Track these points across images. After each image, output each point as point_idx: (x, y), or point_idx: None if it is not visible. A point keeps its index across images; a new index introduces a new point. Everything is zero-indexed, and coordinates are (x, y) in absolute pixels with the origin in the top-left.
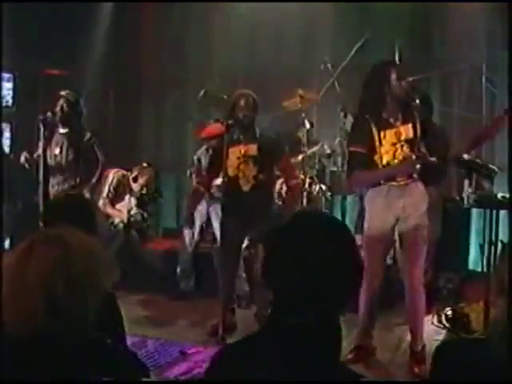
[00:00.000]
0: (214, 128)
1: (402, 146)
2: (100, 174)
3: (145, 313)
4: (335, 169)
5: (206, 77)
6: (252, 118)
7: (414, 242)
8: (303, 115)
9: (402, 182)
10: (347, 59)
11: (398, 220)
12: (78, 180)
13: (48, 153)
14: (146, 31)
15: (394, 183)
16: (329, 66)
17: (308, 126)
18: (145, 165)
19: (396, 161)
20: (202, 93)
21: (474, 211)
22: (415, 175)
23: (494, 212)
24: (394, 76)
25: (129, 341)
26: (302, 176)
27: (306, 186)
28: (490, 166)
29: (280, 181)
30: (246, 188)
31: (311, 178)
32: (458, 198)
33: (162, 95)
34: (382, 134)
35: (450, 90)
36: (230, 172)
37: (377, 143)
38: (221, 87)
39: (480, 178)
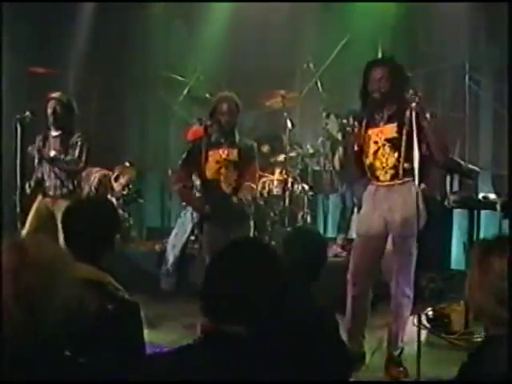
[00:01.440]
0: (199, 130)
1: (383, 146)
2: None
3: None
4: (318, 168)
5: (189, 76)
6: (233, 123)
7: (401, 250)
8: (285, 115)
9: (386, 183)
10: (330, 59)
11: (387, 222)
12: (75, 183)
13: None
14: (131, 31)
15: (379, 183)
16: (311, 65)
17: (290, 125)
18: (127, 164)
19: (378, 161)
20: (185, 92)
21: (457, 210)
22: (403, 176)
23: (477, 211)
24: (375, 75)
25: None
26: (285, 176)
27: (289, 185)
28: (470, 166)
29: (263, 180)
30: (228, 191)
31: (293, 177)
32: (439, 197)
33: (146, 94)
34: (368, 132)
35: (433, 89)
36: (209, 175)
37: (361, 141)
38: (204, 86)
39: (463, 179)
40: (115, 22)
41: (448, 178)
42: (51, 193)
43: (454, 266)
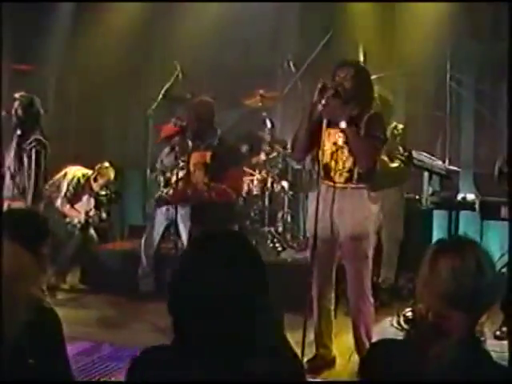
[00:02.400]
0: (170, 128)
1: (342, 148)
2: (35, 187)
3: (102, 314)
4: (299, 167)
5: (170, 74)
6: (206, 127)
7: (352, 255)
8: (264, 114)
9: (340, 185)
10: (310, 58)
11: (335, 224)
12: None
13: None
14: (109, 30)
15: (331, 183)
16: (291, 64)
17: (269, 125)
18: (106, 165)
19: (333, 162)
20: (163, 91)
21: (437, 210)
22: (355, 182)
23: (456, 212)
24: (340, 75)
25: (82, 347)
26: (265, 175)
27: (268, 185)
28: (447, 166)
29: (248, 179)
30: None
31: (273, 177)
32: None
33: (125, 92)
34: (328, 130)
35: (415, 88)
36: (191, 178)
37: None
38: (185, 85)
39: (443, 179)
40: (94, 20)
41: (426, 179)
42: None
43: None
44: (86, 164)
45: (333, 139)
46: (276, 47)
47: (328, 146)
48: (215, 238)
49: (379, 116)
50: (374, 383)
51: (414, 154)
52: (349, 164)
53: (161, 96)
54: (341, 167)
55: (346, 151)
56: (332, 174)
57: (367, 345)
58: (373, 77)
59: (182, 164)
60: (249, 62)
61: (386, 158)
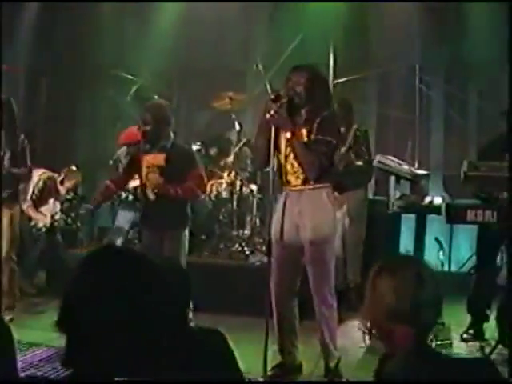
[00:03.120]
0: (131, 133)
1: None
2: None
3: None
4: (268, 169)
5: (139, 76)
6: (160, 130)
7: (313, 259)
8: (233, 116)
9: (298, 188)
10: (280, 60)
11: (298, 228)
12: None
13: None
14: (78, 30)
15: (290, 187)
16: (260, 66)
17: (238, 127)
18: (73, 168)
19: (289, 165)
20: (131, 92)
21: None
22: (312, 182)
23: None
24: (294, 77)
25: (45, 353)
26: (233, 178)
27: (237, 187)
28: (415, 170)
29: (210, 183)
30: (151, 197)
31: (241, 180)
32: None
33: (94, 95)
34: (282, 132)
35: (385, 90)
36: (143, 181)
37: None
38: (154, 86)
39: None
40: (64, 21)
41: (393, 183)
42: None
43: None
44: (53, 166)
45: (287, 142)
46: (247, 48)
47: (283, 150)
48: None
49: (332, 118)
50: (374, 383)
51: (380, 157)
52: None
53: (128, 98)
54: (296, 169)
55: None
56: (289, 177)
57: (333, 349)
58: (342, 79)
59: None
60: (220, 63)
61: (352, 156)
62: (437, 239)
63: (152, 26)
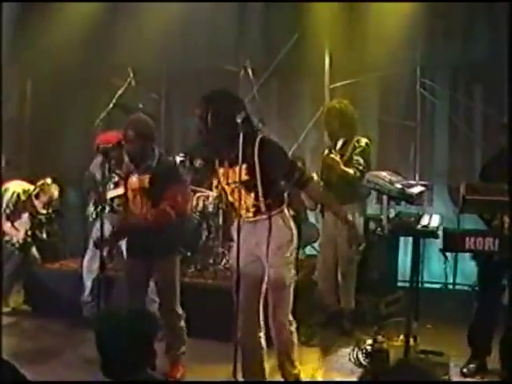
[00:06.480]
0: (109, 136)
1: (237, 188)
2: None
3: (32, 345)
4: None
5: (123, 81)
6: (139, 151)
7: (274, 282)
8: None
9: (251, 219)
10: (272, 65)
11: (255, 257)
12: None
13: None
14: (61, 31)
15: (244, 218)
16: (249, 71)
17: None
18: (48, 181)
19: (236, 202)
20: (114, 100)
21: None
22: (266, 211)
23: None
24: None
25: None
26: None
27: (224, 200)
28: (406, 188)
29: (197, 196)
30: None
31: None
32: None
33: (75, 101)
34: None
35: (386, 95)
36: (130, 203)
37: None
38: (139, 92)
39: None
40: (44, 21)
41: (385, 204)
42: None
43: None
44: (27, 179)
45: (226, 180)
46: (240, 50)
47: (226, 187)
48: None
49: (268, 141)
50: (374, 383)
51: (369, 176)
52: (250, 201)
53: (111, 105)
54: (244, 206)
55: (242, 191)
56: (240, 211)
57: (291, 372)
58: (337, 84)
59: (116, 179)
60: (212, 66)
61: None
62: (441, 250)
63: (143, 26)
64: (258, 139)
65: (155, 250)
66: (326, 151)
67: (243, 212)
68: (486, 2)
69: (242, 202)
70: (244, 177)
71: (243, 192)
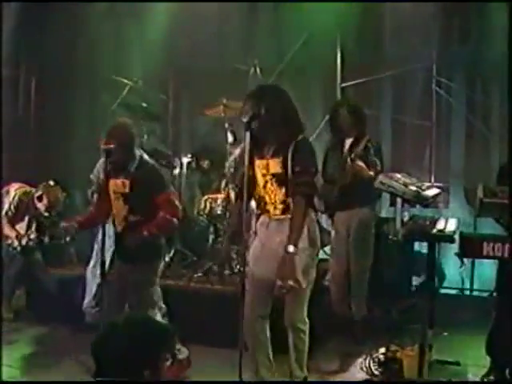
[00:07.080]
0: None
1: (270, 180)
2: None
3: (31, 352)
4: None
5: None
6: (122, 156)
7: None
8: (226, 126)
9: (278, 216)
10: (283, 63)
11: (277, 255)
12: None
13: None
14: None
15: (270, 215)
16: (258, 70)
17: (231, 139)
18: (51, 183)
19: (267, 196)
20: (118, 100)
21: None
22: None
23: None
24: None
25: None
26: (228, 192)
27: (233, 201)
28: (420, 191)
29: (204, 199)
30: (119, 229)
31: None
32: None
33: (80, 102)
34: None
35: (400, 93)
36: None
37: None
38: (143, 92)
39: None
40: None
41: (399, 207)
42: None
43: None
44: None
45: (261, 171)
46: (249, 49)
47: (260, 179)
48: None
49: (305, 142)
50: (374, 383)
51: (383, 177)
52: (280, 196)
53: (115, 105)
54: (273, 200)
55: (274, 184)
56: (268, 207)
57: (300, 377)
58: (350, 83)
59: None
60: (221, 65)
61: (361, 164)
62: (458, 254)
63: (148, 26)
64: (300, 137)
65: (138, 254)
66: (349, 158)
67: (271, 208)
68: (489, 2)
69: (273, 196)
70: (278, 170)
71: (275, 185)
